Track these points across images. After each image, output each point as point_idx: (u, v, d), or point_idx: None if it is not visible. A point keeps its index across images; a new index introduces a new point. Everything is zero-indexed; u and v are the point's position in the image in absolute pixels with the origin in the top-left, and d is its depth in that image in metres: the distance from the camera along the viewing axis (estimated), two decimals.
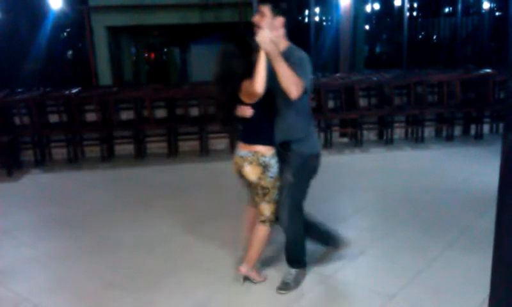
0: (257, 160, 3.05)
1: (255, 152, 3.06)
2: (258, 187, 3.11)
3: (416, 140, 7.39)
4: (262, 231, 3.20)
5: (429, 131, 7.68)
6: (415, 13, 15.99)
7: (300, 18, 15.10)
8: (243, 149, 3.11)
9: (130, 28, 15.98)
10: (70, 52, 16.54)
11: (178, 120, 7.21)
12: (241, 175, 3.16)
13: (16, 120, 7.04)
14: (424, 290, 3.15)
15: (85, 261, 3.78)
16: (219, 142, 7.39)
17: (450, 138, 7.44)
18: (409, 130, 7.67)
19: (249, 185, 3.20)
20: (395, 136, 7.52)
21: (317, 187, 5.31)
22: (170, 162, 6.81)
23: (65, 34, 15.64)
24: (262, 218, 3.18)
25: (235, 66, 2.96)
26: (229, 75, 2.98)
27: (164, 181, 5.92)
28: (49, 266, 3.76)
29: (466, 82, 7.72)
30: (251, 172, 3.08)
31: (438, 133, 7.73)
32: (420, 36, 16.54)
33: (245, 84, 2.92)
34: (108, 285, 3.38)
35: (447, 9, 16.32)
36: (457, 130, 7.71)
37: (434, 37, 16.62)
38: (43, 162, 6.96)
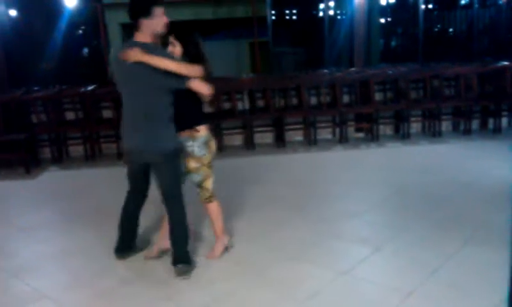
0: None
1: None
2: None
3: (433, 134, 7.30)
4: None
5: (446, 125, 7.59)
6: (430, 6, 15.77)
7: (314, 12, 15.01)
8: None
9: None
10: (85, 50, 16.65)
11: None
12: None
13: (33, 118, 7.12)
14: (442, 286, 3.11)
15: (101, 258, 3.79)
16: (234, 139, 7.39)
17: (467, 132, 7.34)
18: (426, 124, 7.59)
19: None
20: (412, 130, 7.44)
21: (333, 183, 5.35)
22: None
23: (80, 31, 15.75)
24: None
25: None
26: None
27: None
28: (66, 262, 3.80)
29: (483, 75, 7.61)
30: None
31: (455, 127, 7.63)
32: (436, 29, 16.32)
33: None
34: (124, 282, 3.41)
35: (463, 1, 16.07)
36: (475, 124, 7.59)
37: (451, 29, 16.39)
38: (60, 159, 7.04)
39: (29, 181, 6.16)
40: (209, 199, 3.59)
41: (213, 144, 3.52)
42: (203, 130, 3.42)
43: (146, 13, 3.16)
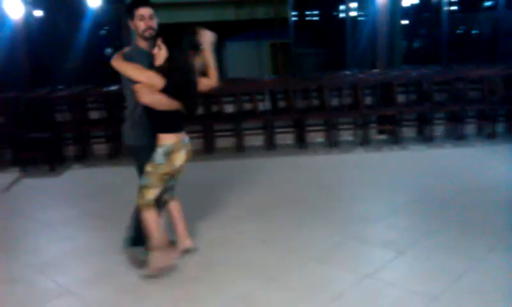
0: None
1: None
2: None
3: (457, 137, 7.20)
4: (178, 204, 3.68)
5: (470, 128, 7.47)
6: (454, 8, 15.57)
7: (336, 13, 14.94)
8: (185, 137, 3.48)
9: (165, 26, 16.13)
10: (108, 50, 16.84)
11: (214, 117, 7.26)
12: (187, 160, 3.47)
13: (58, 117, 7.24)
14: (467, 292, 3.06)
15: (124, 255, 3.83)
16: (255, 139, 7.39)
17: (492, 135, 7.21)
18: (450, 127, 7.48)
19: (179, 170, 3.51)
20: (436, 133, 7.34)
21: (355, 185, 5.32)
22: (206, 159, 6.85)
23: (103, 32, 15.94)
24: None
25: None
26: None
27: (200, 178, 5.95)
28: (89, 259, 3.85)
29: (508, 77, 7.47)
30: None
31: (479, 131, 7.51)
32: (460, 31, 16.10)
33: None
34: (147, 278, 3.43)
35: (487, 3, 15.84)
36: (500, 127, 7.46)
37: (475, 31, 16.15)
38: (84, 157, 7.14)
39: (53, 179, 6.26)
40: (142, 207, 3.40)
41: (177, 158, 3.36)
42: (167, 140, 3.33)
43: (129, 15, 3.37)
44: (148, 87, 3.21)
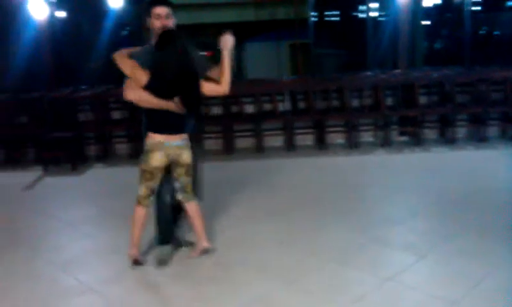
0: (189, 145, 3.49)
1: (186, 139, 3.47)
2: (189, 167, 3.52)
3: (480, 139, 7.09)
4: (194, 205, 3.62)
5: (493, 130, 7.35)
6: (477, 8, 15.34)
7: (356, 13, 14.85)
8: (178, 140, 3.42)
9: (186, 27, 16.26)
10: None
11: (233, 117, 7.28)
12: (176, 164, 3.47)
13: (81, 116, 7.34)
14: (488, 296, 3.01)
15: (144, 254, 3.86)
16: (275, 140, 7.39)
17: None
18: (472, 129, 7.37)
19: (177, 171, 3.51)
20: (459, 135, 7.24)
21: (376, 187, 5.28)
22: (226, 159, 6.87)
23: (126, 32, 16.12)
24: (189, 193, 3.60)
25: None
26: None
27: (219, 178, 5.97)
28: (111, 257, 3.89)
29: None
30: (189, 156, 3.49)
31: (502, 133, 7.38)
32: (483, 31, 15.86)
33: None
34: (168, 277, 3.46)
35: (511, 3, 15.58)
36: None
37: (498, 32, 15.89)
38: (106, 156, 7.23)
39: (75, 178, 6.36)
40: (136, 201, 3.59)
41: (152, 158, 3.41)
42: (150, 138, 3.41)
43: (147, 13, 3.45)
44: (135, 83, 3.28)
